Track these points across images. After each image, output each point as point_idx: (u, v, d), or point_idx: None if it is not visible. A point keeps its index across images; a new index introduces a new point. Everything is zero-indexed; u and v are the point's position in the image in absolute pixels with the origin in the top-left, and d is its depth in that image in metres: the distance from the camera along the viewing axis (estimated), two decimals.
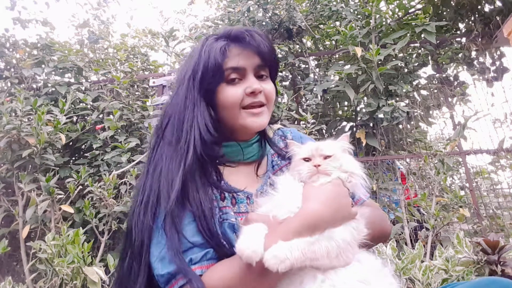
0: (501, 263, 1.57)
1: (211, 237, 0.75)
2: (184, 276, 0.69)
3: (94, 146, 2.90)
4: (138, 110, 3.25)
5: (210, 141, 0.82)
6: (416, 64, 3.34)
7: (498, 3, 3.34)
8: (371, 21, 3.18)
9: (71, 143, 3.08)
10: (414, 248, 1.83)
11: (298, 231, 0.67)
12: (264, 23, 3.55)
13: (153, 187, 0.79)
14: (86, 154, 3.01)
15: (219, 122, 0.87)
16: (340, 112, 3.83)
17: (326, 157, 0.81)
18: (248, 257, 0.64)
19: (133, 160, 2.64)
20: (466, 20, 3.48)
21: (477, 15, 3.40)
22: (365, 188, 0.81)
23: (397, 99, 3.03)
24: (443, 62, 3.29)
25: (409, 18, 3.65)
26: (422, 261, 1.71)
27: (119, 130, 2.91)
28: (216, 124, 0.85)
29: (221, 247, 0.75)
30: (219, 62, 0.83)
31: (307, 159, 0.82)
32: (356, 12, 3.44)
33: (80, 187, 2.48)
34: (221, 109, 0.86)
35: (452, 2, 3.41)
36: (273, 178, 0.90)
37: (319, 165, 0.79)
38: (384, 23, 3.48)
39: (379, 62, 2.99)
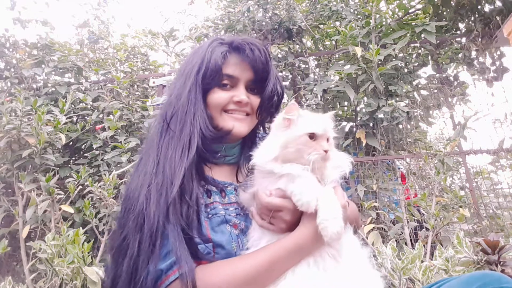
0: (501, 263, 1.57)
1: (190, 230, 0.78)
2: (178, 268, 0.72)
3: (94, 146, 2.90)
4: (138, 110, 3.25)
5: (210, 137, 0.87)
6: (416, 64, 3.34)
7: (498, 3, 3.34)
8: (371, 21, 3.18)
9: (71, 143, 3.08)
10: (414, 248, 1.83)
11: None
12: (264, 23, 3.55)
13: (165, 173, 0.81)
14: (86, 154, 3.01)
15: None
16: (340, 112, 3.82)
17: (328, 139, 0.80)
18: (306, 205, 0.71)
19: (133, 160, 2.64)
20: (466, 20, 3.48)
21: (477, 15, 3.40)
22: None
23: (397, 99, 3.03)
24: (443, 62, 3.29)
25: (409, 18, 3.65)
26: (422, 261, 1.71)
27: (119, 130, 2.91)
28: (213, 122, 0.92)
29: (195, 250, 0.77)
30: (219, 65, 0.89)
31: (312, 136, 0.78)
32: (356, 12, 3.44)
33: (80, 187, 2.48)
34: (208, 109, 0.93)
35: (452, 2, 3.41)
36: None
37: (327, 151, 0.77)
38: (384, 23, 3.48)
39: (379, 62, 2.99)
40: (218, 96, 0.92)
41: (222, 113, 0.93)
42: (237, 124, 0.93)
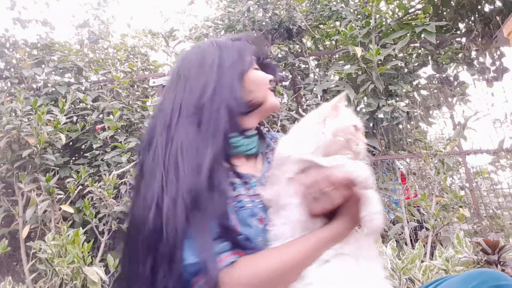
0: (501, 263, 1.57)
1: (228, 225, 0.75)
2: (204, 274, 0.68)
3: (94, 146, 2.90)
4: (138, 110, 3.24)
5: (239, 113, 0.87)
6: (416, 64, 3.34)
7: (498, 3, 3.34)
8: (371, 21, 3.18)
9: (71, 143, 3.08)
10: (414, 248, 1.83)
11: None
12: (264, 23, 3.55)
13: (186, 170, 0.75)
14: (86, 154, 3.01)
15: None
16: None
17: None
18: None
19: (133, 160, 2.64)
20: (466, 20, 3.48)
21: (477, 15, 3.40)
22: None
23: (397, 99, 3.03)
24: (443, 62, 3.29)
25: (409, 18, 3.66)
26: (422, 261, 1.71)
27: (119, 130, 2.91)
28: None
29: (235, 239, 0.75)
30: (252, 52, 0.94)
31: (355, 128, 0.78)
32: (356, 12, 3.44)
33: (80, 187, 2.48)
34: (249, 90, 0.92)
35: (452, 2, 3.41)
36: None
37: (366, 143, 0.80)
38: (384, 23, 3.48)
39: (379, 62, 2.99)
40: (261, 74, 0.95)
41: (268, 91, 0.96)
42: (278, 100, 1.01)
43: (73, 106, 3.06)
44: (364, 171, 0.73)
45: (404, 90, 2.97)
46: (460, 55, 3.25)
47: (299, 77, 3.53)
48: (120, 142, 2.75)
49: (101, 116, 3.18)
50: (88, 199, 2.40)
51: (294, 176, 0.79)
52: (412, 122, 3.32)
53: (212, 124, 0.81)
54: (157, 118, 0.88)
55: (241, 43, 0.96)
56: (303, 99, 3.46)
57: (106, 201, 2.40)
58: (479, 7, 3.38)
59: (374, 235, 0.73)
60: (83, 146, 3.23)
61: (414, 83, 3.27)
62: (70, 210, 2.40)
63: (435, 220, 2.28)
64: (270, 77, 0.97)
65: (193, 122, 0.81)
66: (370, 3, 3.28)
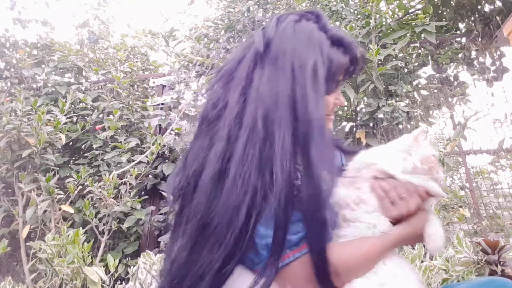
0: (501, 263, 1.57)
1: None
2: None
3: (94, 146, 2.90)
4: (138, 110, 3.25)
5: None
6: (416, 64, 3.33)
7: (498, 3, 3.34)
8: (371, 21, 3.18)
9: (71, 143, 3.08)
10: (414, 248, 1.83)
11: None
12: (264, 23, 3.55)
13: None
14: (86, 154, 3.01)
15: None
16: (340, 112, 3.82)
17: None
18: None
19: (133, 160, 2.64)
20: (466, 20, 3.48)
21: (477, 15, 3.40)
22: None
23: (397, 99, 3.03)
24: (443, 62, 3.29)
25: (409, 18, 3.65)
26: (422, 261, 1.71)
27: (119, 130, 2.91)
28: None
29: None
30: (339, 74, 0.83)
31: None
32: (356, 12, 3.44)
33: (80, 187, 2.48)
34: None
35: (452, 2, 3.41)
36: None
37: None
38: (384, 23, 3.48)
39: (379, 62, 2.99)
40: (328, 102, 0.84)
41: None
42: (330, 125, 0.90)
43: (73, 106, 3.06)
44: (439, 188, 0.82)
45: (404, 90, 2.97)
46: (460, 55, 3.25)
47: None
48: (120, 142, 2.75)
49: (101, 116, 3.18)
50: (88, 199, 2.41)
51: (376, 179, 0.84)
52: (412, 122, 3.32)
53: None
54: (247, 93, 0.75)
55: (339, 56, 0.80)
56: None
57: (106, 201, 2.40)
58: (479, 7, 3.38)
59: (435, 253, 0.77)
60: (83, 146, 3.23)
61: (414, 83, 3.27)
62: (70, 210, 2.40)
63: None
64: (340, 101, 0.87)
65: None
66: (370, 3, 3.28)
